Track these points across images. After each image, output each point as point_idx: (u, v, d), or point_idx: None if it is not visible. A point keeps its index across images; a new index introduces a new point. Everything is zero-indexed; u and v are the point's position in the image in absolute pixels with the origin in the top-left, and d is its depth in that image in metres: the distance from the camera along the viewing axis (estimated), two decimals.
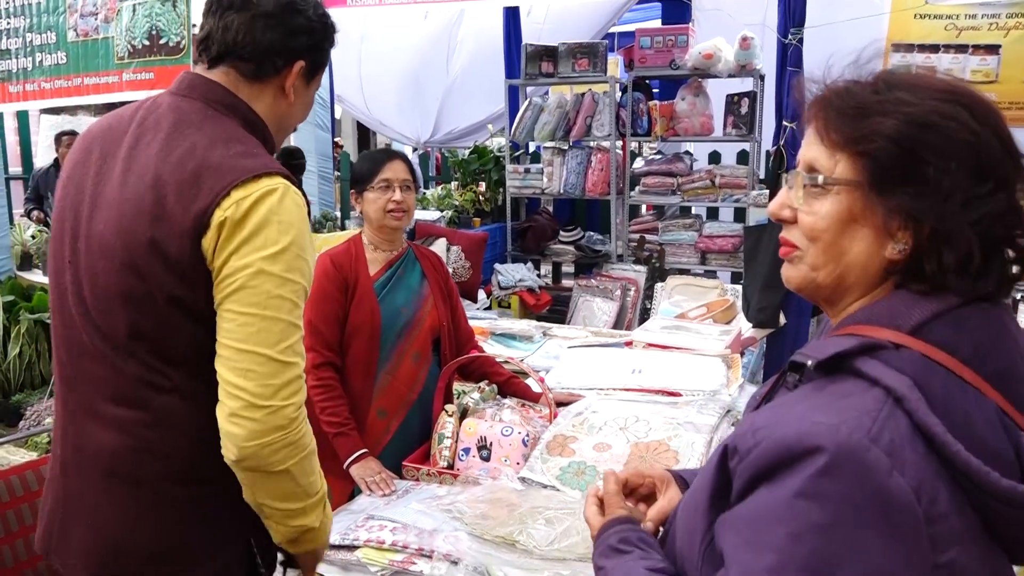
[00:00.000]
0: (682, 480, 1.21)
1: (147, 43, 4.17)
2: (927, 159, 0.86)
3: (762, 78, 5.15)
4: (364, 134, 13.54)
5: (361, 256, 2.29)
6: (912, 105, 0.88)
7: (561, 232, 6.03)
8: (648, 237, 5.81)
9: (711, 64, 5.17)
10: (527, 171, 5.91)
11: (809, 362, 0.88)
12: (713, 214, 6.20)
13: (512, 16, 6.15)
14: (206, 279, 1.26)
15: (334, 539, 1.79)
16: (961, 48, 5.19)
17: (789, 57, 3.25)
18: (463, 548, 1.72)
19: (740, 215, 6.11)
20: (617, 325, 5.54)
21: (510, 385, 2.46)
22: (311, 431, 1.32)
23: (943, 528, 0.77)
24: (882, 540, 0.76)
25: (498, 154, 6.17)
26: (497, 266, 5.75)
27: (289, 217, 1.26)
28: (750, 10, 6.15)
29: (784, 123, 3.34)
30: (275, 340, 1.23)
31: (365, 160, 2.42)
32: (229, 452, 1.26)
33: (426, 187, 8.57)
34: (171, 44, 4.11)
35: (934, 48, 5.27)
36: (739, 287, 4.35)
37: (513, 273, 5.77)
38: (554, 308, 5.88)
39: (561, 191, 5.80)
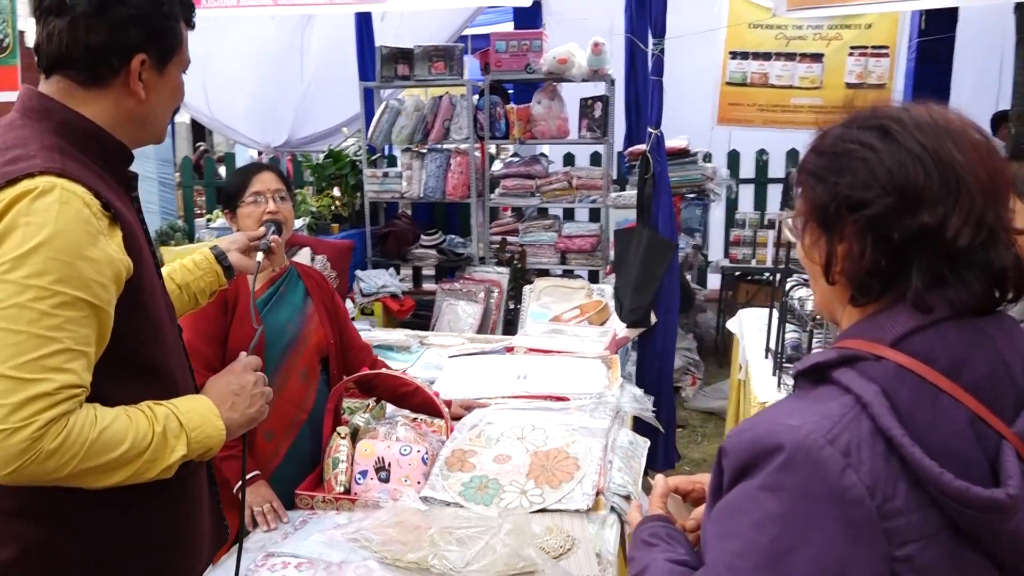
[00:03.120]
0: None
1: None
2: (828, 180, 0.96)
3: (612, 82, 5.32)
4: (199, 136, 12.87)
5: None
6: (833, 138, 0.97)
7: (422, 236, 5.98)
8: (509, 239, 5.89)
9: (565, 69, 5.29)
10: (385, 175, 5.82)
11: (793, 372, 0.94)
12: (569, 215, 6.37)
13: (364, 19, 6.04)
14: None
15: None
16: (790, 56, 5.63)
17: (652, 67, 3.38)
18: None
19: (595, 215, 6.32)
20: (482, 327, 5.57)
21: (416, 396, 2.37)
22: (83, 423, 1.16)
23: (899, 523, 0.83)
24: (833, 529, 0.83)
25: (354, 158, 6.03)
26: (359, 273, 5.62)
27: (42, 218, 1.14)
28: (598, 16, 6.38)
29: (649, 129, 3.48)
30: (8, 355, 1.11)
31: (233, 176, 2.32)
32: None
33: None
34: None
35: (767, 56, 5.69)
36: (602, 286, 4.50)
37: (375, 279, 5.66)
38: (418, 313, 5.83)
39: (421, 195, 5.75)
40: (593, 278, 5.55)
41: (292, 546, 1.82)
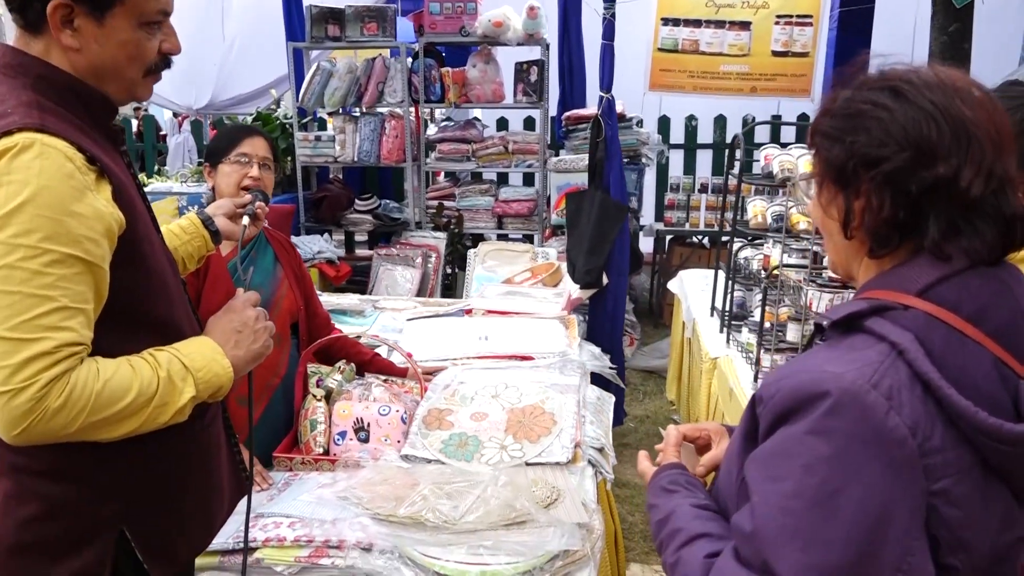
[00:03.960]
0: (732, 430, 1.35)
1: None
2: (844, 140, 1.01)
3: (547, 47, 5.34)
4: None
5: None
6: (844, 100, 1.03)
7: (357, 201, 5.90)
8: (446, 203, 5.87)
9: (500, 32, 5.27)
10: (318, 139, 5.69)
11: (825, 323, 1.01)
12: (503, 179, 6.39)
13: None
14: None
15: (227, 544, 1.68)
16: (720, 24, 5.76)
17: (604, 31, 3.41)
18: (372, 533, 1.68)
19: (529, 179, 6.36)
20: (420, 292, 5.56)
21: (374, 364, 2.41)
22: (85, 377, 1.15)
23: (937, 460, 0.91)
24: (880, 468, 0.89)
25: (284, 121, 5.87)
26: (293, 239, 5.51)
27: (23, 175, 1.11)
28: None
29: (600, 93, 3.52)
30: (4, 316, 1.10)
31: (224, 133, 2.27)
32: (7, 441, 1.14)
33: (199, 156, 7.95)
34: None
35: (697, 23, 5.80)
36: (546, 249, 4.56)
37: (310, 245, 5.56)
38: (353, 279, 5.77)
39: (355, 159, 5.66)
40: (528, 241, 5.61)
41: (281, 507, 1.81)
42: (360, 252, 6.36)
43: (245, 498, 1.58)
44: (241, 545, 1.65)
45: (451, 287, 5.68)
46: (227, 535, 1.67)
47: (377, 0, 6.21)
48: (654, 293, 6.26)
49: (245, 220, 1.85)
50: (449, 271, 5.75)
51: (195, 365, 1.28)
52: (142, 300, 1.28)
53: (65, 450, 1.20)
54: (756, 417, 1.01)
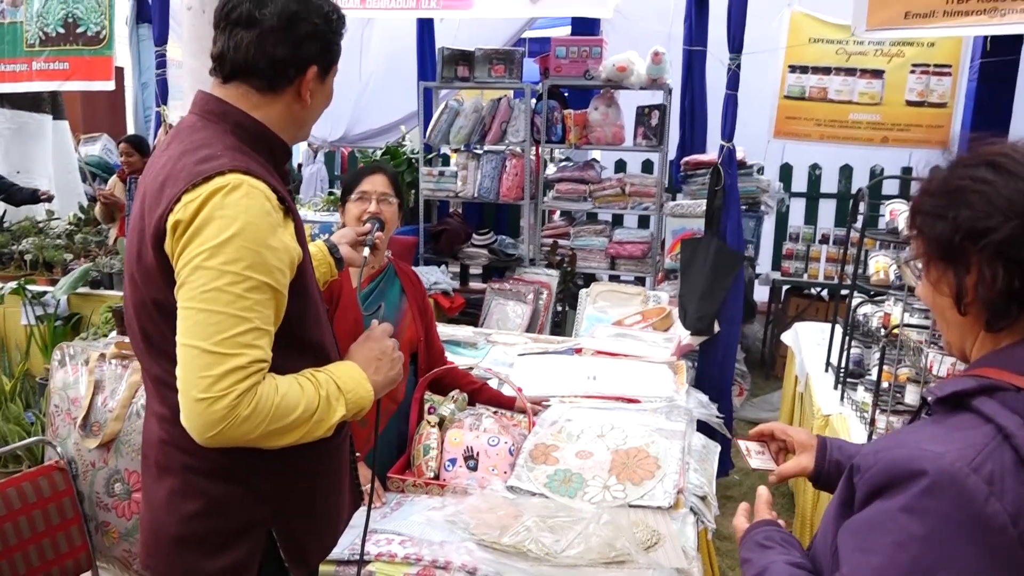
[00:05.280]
0: (823, 451, 1.40)
1: (62, 31, 3.88)
2: (947, 216, 1.02)
3: (670, 92, 5.38)
4: None
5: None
6: (941, 179, 1.04)
7: (474, 235, 6.08)
8: (560, 242, 5.97)
9: (624, 76, 5.36)
10: (441, 174, 5.93)
11: (930, 398, 1.02)
12: (618, 220, 6.44)
13: (425, 22, 6.16)
14: (175, 282, 1.32)
15: (343, 554, 1.79)
16: (850, 71, 5.65)
17: (728, 81, 3.45)
18: (477, 557, 1.75)
19: (644, 222, 6.39)
20: (530, 328, 5.66)
21: (482, 393, 2.50)
22: (268, 391, 1.29)
23: None
24: (975, 554, 0.88)
25: (411, 156, 6.14)
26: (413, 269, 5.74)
27: (233, 211, 1.27)
28: (656, 24, 6.43)
29: (722, 143, 3.54)
30: (209, 333, 1.25)
31: (350, 174, 2.47)
32: (200, 443, 1.29)
33: (331, 186, 8.40)
34: (90, 33, 3.85)
35: (826, 71, 5.71)
36: (658, 293, 4.56)
37: (428, 276, 5.77)
38: (465, 311, 5.94)
39: (476, 195, 5.85)
40: (640, 284, 5.62)
41: (394, 524, 1.91)
42: (474, 285, 6.53)
43: (361, 512, 1.70)
44: (356, 556, 1.76)
45: (560, 325, 5.75)
46: (343, 546, 1.78)
47: (506, 43, 6.44)
48: (767, 343, 6.13)
49: (366, 251, 2.00)
50: (560, 309, 5.82)
51: (346, 387, 1.42)
52: (303, 325, 1.44)
53: (233, 454, 1.34)
54: (853, 486, 1.02)
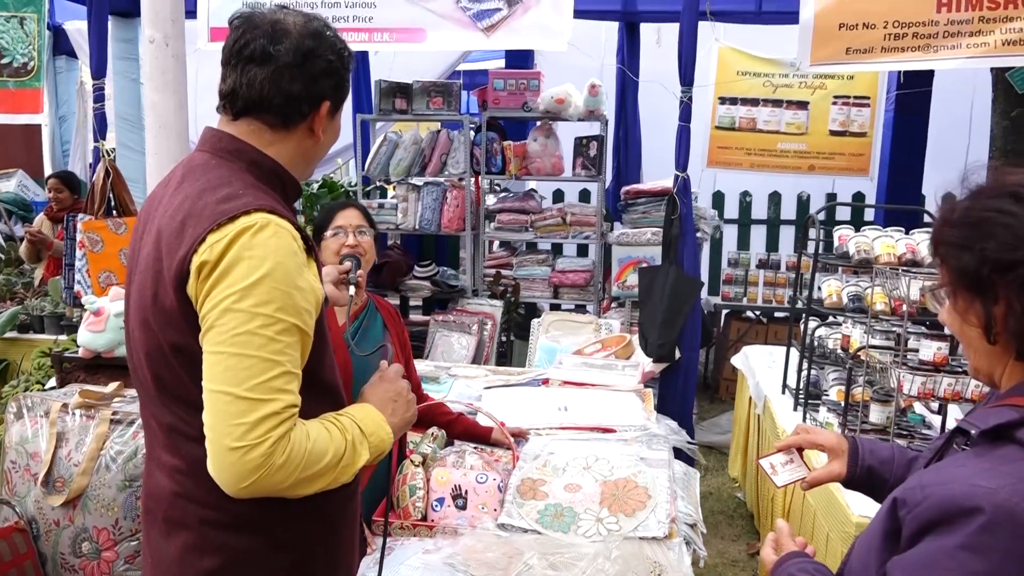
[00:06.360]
0: (855, 456, 1.41)
1: None
2: (973, 247, 1.05)
3: (606, 123, 5.49)
4: None
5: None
6: (964, 209, 1.07)
7: (416, 267, 6.03)
8: (503, 272, 5.98)
9: (562, 108, 5.44)
10: (381, 206, 5.87)
11: (973, 431, 1.03)
12: (557, 250, 6.50)
13: (361, 54, 6.12)
14: (198, 325, 1.26)
15: None
16: (777, 103, 5.88)
17: (680, 113, 3.54)
18: None
19: (583, 250, 6.46)
20: (476, 359, 5.61)
21: (458, 425, 2.45)
22: (300, 437, 1.24)
23: None
24: None
25: (349, 188, 6.07)
26: None
27: (262, 251, 1.23)
28: (588, 58, 6.56)
29: (676, 173, 3.62)
30: (242, 378, 1.19)
31: (321, 213, 2.43)
32: (230, 494, 1.23)
33: None
34: (16, 64, 3.67)
35: (754, 102, 5.93)
36: (608, 321, 4.60)
37: None
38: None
39: (416, 227, 5.81)
40: (582, 311, 5.68)
41: (389, 571, 1.85)
42: (414, 317, 6.46)
43: (367, 557, 1.64)
44: None
45: (506, 355, 5.73)
46: None
47: (440, 75, 6.45)
48: (708, 367, 6.25)
49: (351, 291, 1.96)
50: (505, 339, 5.81)
51: (368, 430, 1.36)
52: (321, 366, 1.38)
53: (257, 504, 1.27)
54: (898, 518, 1.02)
